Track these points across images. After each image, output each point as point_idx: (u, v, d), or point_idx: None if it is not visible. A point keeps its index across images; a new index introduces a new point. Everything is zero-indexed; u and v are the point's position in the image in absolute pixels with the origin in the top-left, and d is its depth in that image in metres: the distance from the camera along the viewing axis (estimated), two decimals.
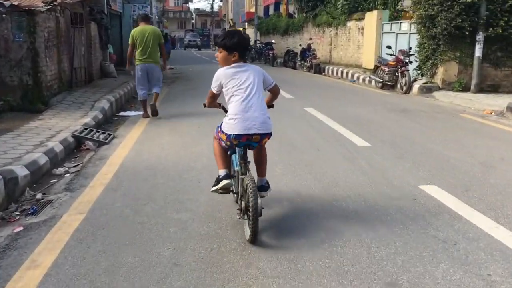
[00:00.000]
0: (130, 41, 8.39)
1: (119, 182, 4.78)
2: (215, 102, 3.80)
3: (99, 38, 13.43)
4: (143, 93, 8.60)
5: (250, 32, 39.12)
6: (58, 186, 4.76)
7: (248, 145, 3.51)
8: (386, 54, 14.22)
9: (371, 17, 17.44)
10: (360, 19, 18.78)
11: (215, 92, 3.62)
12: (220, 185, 3.58)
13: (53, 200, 4.31)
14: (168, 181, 4.82)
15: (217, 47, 3.60)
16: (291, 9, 30.74)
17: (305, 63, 21.73)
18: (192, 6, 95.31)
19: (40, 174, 5.00)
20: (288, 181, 4.84)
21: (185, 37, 60.74)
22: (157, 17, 34.87)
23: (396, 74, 13.64)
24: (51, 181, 4.94)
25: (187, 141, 6.68)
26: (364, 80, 16.31)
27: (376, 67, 14.82)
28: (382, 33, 16.84)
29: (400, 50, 13.68)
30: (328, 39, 22.31)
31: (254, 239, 3.28)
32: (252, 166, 3.65)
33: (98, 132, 7.01)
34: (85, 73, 12.07)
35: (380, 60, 14.62)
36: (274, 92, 3.80)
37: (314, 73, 20.49)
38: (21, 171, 4.59)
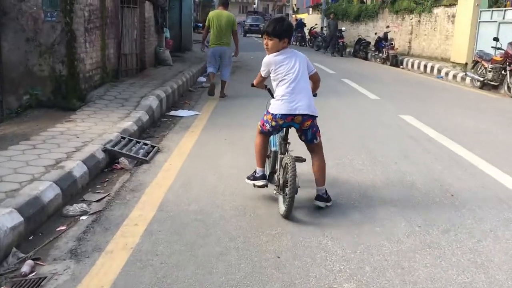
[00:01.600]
0: (206, 24, 9.08)
1: (152, 245, 3.07)
2: (263, 84, 3.99)
3: (154, 21, 11.89)
4: (212, 69, 9.03)
5: (316, 18, 36.77)
6: (63, 244, 3.12)
7: (290, 126, 3.69)
8: (492, 47, 11.75)
9: (466, 3, 14.85)
10: (451, 5, 16.20)
11: (263, 75, 3.83)
12: (257, 183, 3.83)
13: (46, 278, 2.67)
14: (229, 247, 3.06)
15: (264, 35, 3.72)
16: None
17: (380, 54, 19.39)
18: None
19: (42, 219, 3.40)
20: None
21: (246, 21, 47.80)
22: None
23: (503, 72, 11.18)
24: (57, 229, 3.33)
25: (252, 163, 4.89)
26: (455, 76, 13.87)
27: (475, 63, 12.36)
28: (479, 22, 14.26)
29: (510, 43, 11.17)
30: (408, 28, 19.76)
31: (289, 214, 3.51)
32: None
33: (138, 142, 5.38)
34: (136, 60, 10.58)
35: (481, 55, 12.14)
36: (315, 80, 3.90)
37: (391, 65, 18.16)
38: (6, 221, 2.98)
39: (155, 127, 6.70)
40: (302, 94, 3.58)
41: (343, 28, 24.28)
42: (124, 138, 5.32)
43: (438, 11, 17.24)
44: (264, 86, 4.01)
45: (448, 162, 5.13)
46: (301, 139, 3.79)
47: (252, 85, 4.04)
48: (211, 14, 8.99)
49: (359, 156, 5.27)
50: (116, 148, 4.91)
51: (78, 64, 6.80)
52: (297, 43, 32.37)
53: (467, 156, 5.32)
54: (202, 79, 11.94)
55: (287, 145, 3.79)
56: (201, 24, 44.79)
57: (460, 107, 8.81)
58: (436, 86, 12.19)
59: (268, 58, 3.70)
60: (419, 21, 18.77)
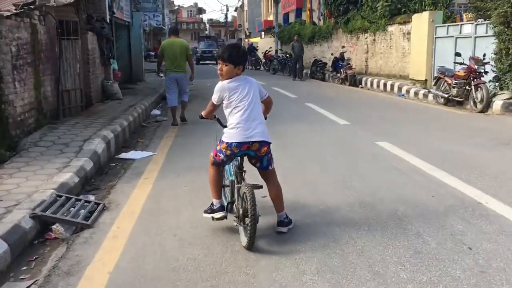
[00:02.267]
0: (159, 52, 9.28)
1: None
2: (213, 114, 3.90)
3: (99, 52, 10.96)
4: (173, 98, 9.14)
5: (269, 41, 36.67)
6: None
7: (246, 154, 3.65)
8: (454, 62, 11.50)
9: (421, 20, 14.75)
10: (405, 22, 16.10)
11: (215, 102, 3.72)
12: (215, 216, 3.74)
13: None
14: None
15: (219, 60, 3.65)
16: (315, 15, 28.19)
17: (338, 75, 19.11)
18: (205, 17, 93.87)
19: None
20: None
21: (198, 47, 43.29)
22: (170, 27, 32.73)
23: (467, 87, 10.91)
24: None
25: (218, 223, 4.03)
26: (416, 94, 13.60)
27: (438, 79, 12.09)
28: (436, 37, 14.15)
29: (472, 58, 10.93)
30: (364, 47, 19.63)
31: (251, 245, 3.38)
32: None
33: (79, 200, 4.43)
34: (81, 96, 9.58)
35: (443, 71, 11.88)
36: (267, 102, 3.86)
37: (349, 85, 17.90)
38: None
39: (101, 175, 5.74)
40: (257, 121, 3.58)
41: None
42: (60, 196, 4.36)
43: (392, 29, 17.14)
44: (214, 116, 3.93)
45: (452, 201, 4.43)
46: (255, 166, 3.76)
47: (201, 117, 3.96)
48: (164, 43, 9.34)
49: (345, 200, 4.51)
50: (49, 212, 3.95)
51: (6, 107, 5.80)
52: (252, 67, 31.99)
53: (468, 192, 4.65)
54: (156, 112, 11.04)
55: (243, 173, 3.75)
56: (152, 53, 44.04)
57: (434, 128, 8.30)
58: (401, 106, 11.79)
59: (222, 84, 3.64)
60: (374, 39, 18.65)
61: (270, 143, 3.65)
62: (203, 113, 3.93)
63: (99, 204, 4.43)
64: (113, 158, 6.54)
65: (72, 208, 4.20)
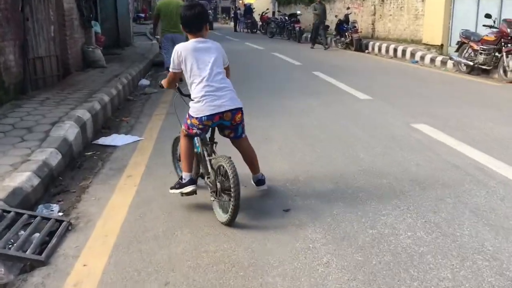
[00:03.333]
0: (155, 13, 9.43)
1: None
2: (174, 83, 3.59)
3: (78, 13, 9.50)
4: (168, 59, 8.67)
5: (266, 2, 34.77)
6: None
7: (221, 125, 3.40)
8: (484, 25, 10.17)
9: None
10: None
11: (175, 71, 3.42)
12: (185, 191, 3.42)
13: None
14: None
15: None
16: None
17: (342, 39, 17.70)
18: None
19: None
20: None
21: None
22: None
23: (497, 54, 9.66)
24: None
25: (236, 238, 2.89)
26: (432, 60, 12.33)
27: (461, 44, 10.79)
28: None
29: (506, 20, 9.63)
30: (371, 8, 18.15)
31: (232, 221, 3.16)
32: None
33: (33, 217, 3.23)
34: (57, 64, 8.22)
35: (468, 35, 10.58)
36: (228, 72, 3.55)
37: (355, 50, 16.56)
38: None
39: (73, 169, 4.52)
40: (224, 89, 3.31)
41: (298, 12, 22.51)
42: (7, 212, 3.15)
43: None
44: (174, 85, 3.63)
45: None
46: (228, 136, 3.57)
47: (161, 86, 3.72)
48: (160, 4, 9.29)
49: (406, 222, 3.34)
50: None
51: None
52: (248, 30, 30.30)
53: None
54: (145, 82, 9.71)
55: (214, 145, 3.53)
56: (143, 15, 41.91)
57: (471, 104, 7.09)
58: (421, 75, 10.50)
59: (178, 47, 3.36)
60: (382, 0, 17.15)
61: (242, 107, 3.39)
62: (162, 82, 3.66)
63: (62, 222, 3.23)
64: (89, 145, 5.31)
65: (22, 232, 3.01)
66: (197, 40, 3.36)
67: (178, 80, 3.59)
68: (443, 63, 11.86)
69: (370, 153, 4.71)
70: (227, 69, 3.53)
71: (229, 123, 3.36)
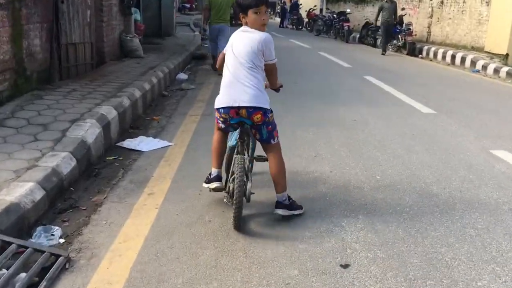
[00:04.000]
0: (206, 4, 9.66)
1: None
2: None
3: None
4: (214, 47, 9.52)
5: None
6: None
7: (243, 123, 3.07)
8: None
9: None
10: None
11: (224, 52, 3.20)
12: (210, 186, 3.29)
13: None
14: None
15: (263, 6, 3.00)
16: None
17: (394, 41, 16.56)
18: None
19: None
20: None
21: None
22: None
23: None
24: None
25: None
26: (497, 71, 11.17)
27: None
28: None
29: None
30: (427, 10, 16.93)
31: (238, 224, 2.96)
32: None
33: (24, 247, 2.57)
34: (91, 52, 7.68)
35: None
36: (269, 71, 3.16)
37: (407, 54, 15.42)
38: None
39: (89, 177, 3.88)
40: (244, 83, 2.97)
41: (347, 10, 21.45)
42: None
43: None
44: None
45: None
46: (256, 138, 3.20)
47: (215, 69, 3.10)
48: None
49: None
50: None
51: None
52: (293, 27, 29.40)
53: None
54: (183, 76, 9.07)
55: (243, 143, 3.11)
56: (188, 5, 41.60)
57: None
58: (486, 87, 9.39)
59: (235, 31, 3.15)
60: (441, 2, 15.93)
61: (266, 109, 3.02)
62: (216, 65, 3.44)
63: (59, 256, 2.56)
64: (113, 147, 4.67)
65: (4, 270, 2.35)
66: (243, 28, 3.09)
67: None
68: (510, 74, 10.69)
69: (445, 187, 3.84)
70: (270, 67, 3.12)
71: (250, 122, 3.05)
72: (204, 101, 6.91)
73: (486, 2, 13.42)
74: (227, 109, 3.02)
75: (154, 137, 5.07)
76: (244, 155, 3.08)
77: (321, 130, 5.36)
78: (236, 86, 2.99)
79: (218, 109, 3.10)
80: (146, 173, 3.97)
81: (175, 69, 9.16)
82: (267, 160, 3.23)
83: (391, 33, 15.72)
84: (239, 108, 2.98)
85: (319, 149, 4.72)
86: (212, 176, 3.30)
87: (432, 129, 5.61)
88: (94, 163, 4.17)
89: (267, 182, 3.55)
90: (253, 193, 3.13)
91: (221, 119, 3.13)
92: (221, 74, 3.18)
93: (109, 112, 4.86)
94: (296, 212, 3.22)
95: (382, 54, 14.98)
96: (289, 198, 3.24)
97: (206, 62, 11.42)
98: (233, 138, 3.32)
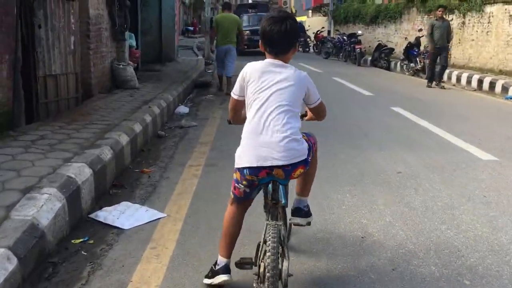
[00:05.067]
0: (214, 25, 9.98)
1: None
2: (240, 116, 2.56)
3: (110, 22, 7.83)
4: (221, 68, 9.95)
5: (319, 21, 32.86)
6: None
7: (275, 181, 2.36)
8: None
9: None
10: None
11: (235, 98, 2.48)
12: (214, 281, 2.49)
13: None
14: None
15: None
16: None
17: (411, 64, 15.44)
18: None
19: None
20: None
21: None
22: (211, 3, 28.99)
23: None
24: None
25: None
26: None
27: None
28: None
29: None
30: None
31: None
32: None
33: None
34: (76, 85, 6.54)
35: None
36: (318, 113, 2.62)
37: (427, 79, 14.22)
38: None
39: (39, 281, 2.63)
40: (274, 133, 2.25)
41: (359, 32, 20.41)
42: None
43: (492, 9, 13.33)
44: (242, 119, 2.53)
45: None
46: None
47: (229, 122, 2.68)
48: (218, 18, 10.11)
49: None
50: None
51: None
52: (300, 49, 28.41)
53: None
54: (183, 109, 7.88)
55: (277, 205, 2.38)
56: (192, 28, 40.96)
57: None
58: None
59: (249, 66, 2.41)
60: (463, 22, 14.84)
61: (307, 160, 2.34)
62: (229, 117, 2.63)
63: None
64: (84, 220, 3.43)
65: None
66: (272, 62, 2.40)
67: (241, 109, 2.56)
68: None
69: None
70: (317, 109, 2.56)
71: (285, 182, 2.41)
72: (207, 144, 5.68)
73: None
74: (255, 170, 2.28)
75: (143, 202, 3.84)
76: (278, 220, 2.34)
77: (360, 191, 4.09)
78: (266, 136, 2.28)
79: (242, 170, 2.33)
80: (122, 275, 2.71)
81: (175, 101, 7.98)
82: (304, 225, 2.74)
83: (436, 59, 12.20)
84: (272, 168, 2.27)
85: (365, 224, 3.43)
86: (218, 267, 2.51)
87: (507, 186, 4.30)
88: (51, 253, 2.92)
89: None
90: (291, 275, 2.28)
91: (244, 182, 2.36)
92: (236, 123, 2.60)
93: (80, 172, 3.62)
94: (310, 219, 2.79)
95: (428, 86, 12.01)
96: (308, 205, 2.80)
97: (210, 91, 10.27)
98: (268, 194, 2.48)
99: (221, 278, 2.48)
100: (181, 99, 8.65)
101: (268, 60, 2.41)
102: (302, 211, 2.73)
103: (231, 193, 2.48)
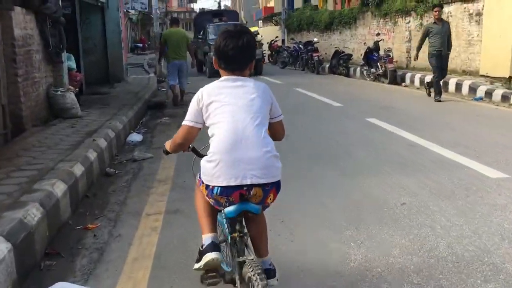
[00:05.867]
0: (162, 42, 10.19)
1: None
2: (186, 143, 2.35)
3: (42, 42, 6.73)
4: (174, 82, 9.92)
5: (272, 30, 32.40)
6: None
7: (245, 211, 2.16)
8: None
9: None
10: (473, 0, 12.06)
11: (190, 125, 2.25)
12: (202, 262, 2.25)
13: None
14: None
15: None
16: None
17: (372, 70, 15.00)
18: (196, 6, 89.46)
19: None
20: None
21: (206, 35, 17.60)
22: (159, 18, 27.72)
23: None
24: None
25: None
26: (507, 98, 9.58)
27: None
28: None
29: None
30: (404, 34, 15.53)
31: None
32: None
33: None
34: (2, 118, 5.44)
35: None
36: (278, 131, 2.35)
37: (389, 83, 13.85)
38: None
39: None
40: (254, 149, 2.09)
41: (315, 39, 19.92)
42: None
43: (451, 9, 13.07)
44: (188, 147, 2.41)
45: None
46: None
47: (167, 153, 2.47)
48: (166, 33, 10.24)
49: None
50: None
51: None
52: None
53: None
54: (136, 137, 6.88)
55: (244, 237, 2.26)
56: (140, 45, 39.59)
57: None
58: None
59: (205, 89, 2.24)
60: (421, 24, 14.52)
61: (280, 185, 2.18)
62: (166, 144, 2.43)
63: None
64: None
65: None
66: (227, 78, 2.24)
67: (193, 140, 2.33)
68: None
69: None
70: (276, 125, 2.31)
71: (257, 209, 2.13)
72: (167, 182, 4.73)
73: (476, 21, 12.03)
74: (228, 189, 2.09)
75: (86, 277, 2.88)
76: (249, 254, 2.24)
77: (366, 235, 3.25)
78: (241, 154, 2.08)
79: (211, 189, 2.14)
80: None
81: (125, 128, 6.95)
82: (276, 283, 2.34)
83: (443, 66, 10.39)
84: (250, 186, 2.07)
85: None
86: (205, 246, 2.28)
87: None
88: None
89: None
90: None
91: (211, 200, 2.22)
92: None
93: None
94: (277, 277, 2.36)
95: (436, 100, 9.86)
96: (272, 263, 2.41)
97: (165, 112, 9.28)
98: (223, 225, 2.35)
99: (208, 257, 2.23)
100: (133, 125, 7.62)
101: (224, 78, 2.26)
102: (271, 272, 2.32)
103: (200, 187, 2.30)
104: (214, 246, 2.28)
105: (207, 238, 2.30)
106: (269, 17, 36.80)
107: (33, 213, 3.19)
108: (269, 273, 2.30)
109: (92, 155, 4.92)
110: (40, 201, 3.38)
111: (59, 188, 3.77)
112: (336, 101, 9.80)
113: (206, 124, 2.23)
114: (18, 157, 4.71)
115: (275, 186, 2.15)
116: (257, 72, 17.10)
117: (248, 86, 2.22)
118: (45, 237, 3.27)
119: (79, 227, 3.71)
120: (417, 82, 13.24)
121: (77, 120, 6.82)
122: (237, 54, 2.20)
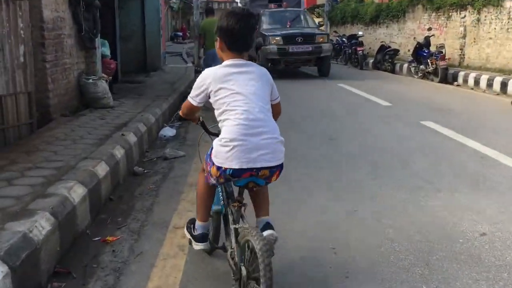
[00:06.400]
0: (200, 32, 9.77)
1: None
2: (195, 115, 2.60)
3: (75, 27, 6.32)
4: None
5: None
6: None
7: (249, 183, 2.37)
8: None
9: None
10: None
11: (195, 104, 2.41)
12: (194, 247, 2.68)
13: None
14: None
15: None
16: None
17: (421, 66, 14.05)
18: None
19: None
20: None
21: (262, 25, 13.86)
22: (199, 7, 27.32)
23: None
24: None
25: None
26: None
27: None
28: None
29: None
30: (458, 30, 14.47)
31: None
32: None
33: None
34: (28, 107, 5.06)
35: None
36: (275, 112, 2.48)
37: (440, 82, 12.90)
38: None
39: None
40: (265, 134, 2.25)
41: (359, 33, 19.00)
42: None
43: None
44: (197, 119, 2.63)
45: None
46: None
47: (179, 118, 2.71)
48: (204, 23, 9.80)
49: None
50: None
51: None
52: None
53: None
54: (169, 132, 6.40)
55: (243, 208, 2.43)
56: (180, 33, 39.46)
57: None
58: None
59: (209, 72, 2.37)
60: (478, 19, 13.46)
61: (283, 165, 2.34)
62: (180, 112, 2.61)
63: None
64: None
65: None
66: (233, 63, 2.34)
67: (199, 112, 2.55)
68: None
69: None
70: (275, 107, 2.48)
71: (263, 182, 2.35)
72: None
73: None
74: (241, 171, 2.23)
75: None
76: (244, 222, 2.41)
77: (438, 275, 2.62)
78: (255, 138, 2.22)
79: (224, 170, 2.25)
80: None
81: (158, 122, 6.49)
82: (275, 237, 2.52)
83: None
84: (259, 169, 2.25)
85: None
86: (197, 232, 2.65)
87: None
88: None
89: None
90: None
91: (221, 179, 2.34)
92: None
93: None
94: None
95: None
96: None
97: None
98: (218, 199, 2.66)
99: (198, 246, 2.65)
100: (167, 118, 7.14)
101: (227, 62, 2.36)
102: (270, 225, 2.52)
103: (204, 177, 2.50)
104: (203, 238, 2.64)
105: (200, 225, 2.64)
106: (311, 8, 35.76)
107: (42, 225, 2.71)
108: (269, 226, 2.52)
109: (119, 153, 4.44)
110: (52, 210, 2.90)
111: (77, 193, 3.29)
112: (384, 99, 9.04)
113: (215, 107, 2.31)
114: (38, 151, 4.28)
115: (280, 168, 2.31)
116: (323, 72, 13.61)
117: (252, 72, 2.35)
118: (54, 253, 2.80)
119: (97, 238, 3.23)
120: (471, 82, 12.26)
121: (108, 110, 6.40)
122: (246, 35, 2.31)
